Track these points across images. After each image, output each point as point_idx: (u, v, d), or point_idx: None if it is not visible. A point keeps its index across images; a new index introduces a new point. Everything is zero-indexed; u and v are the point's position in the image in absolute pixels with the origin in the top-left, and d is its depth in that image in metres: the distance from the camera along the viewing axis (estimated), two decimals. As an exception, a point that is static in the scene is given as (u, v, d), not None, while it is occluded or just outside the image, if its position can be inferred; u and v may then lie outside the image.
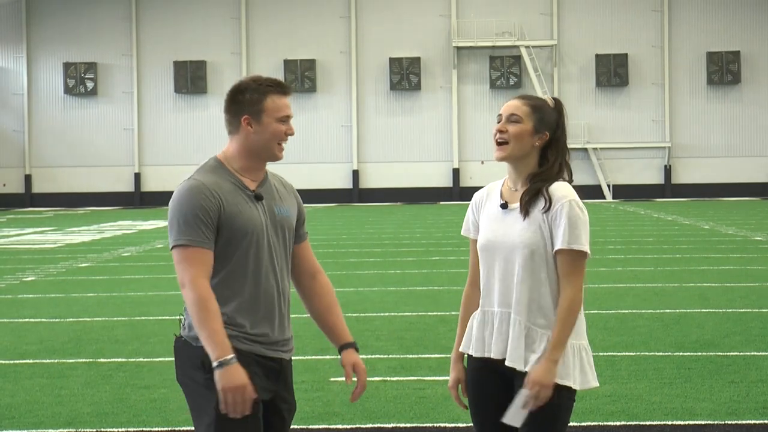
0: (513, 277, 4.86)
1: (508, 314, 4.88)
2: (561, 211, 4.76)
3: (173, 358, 4.91)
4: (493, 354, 4.89)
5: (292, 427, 8.65)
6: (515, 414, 4.81)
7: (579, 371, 4.84)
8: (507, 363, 4.85)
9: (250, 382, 4.57)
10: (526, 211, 4.83)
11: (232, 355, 4.55)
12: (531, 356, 4.81)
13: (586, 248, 4.78)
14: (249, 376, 4.62)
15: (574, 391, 4.86)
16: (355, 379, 5.04)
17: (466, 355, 5.09)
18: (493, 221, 4.95)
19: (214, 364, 4.54)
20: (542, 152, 4.92)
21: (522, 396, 4.79)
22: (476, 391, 5.00)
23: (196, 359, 4.67)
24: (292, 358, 5.03)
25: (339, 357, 5.10)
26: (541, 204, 4.82)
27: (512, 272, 4.86)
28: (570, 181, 4.96)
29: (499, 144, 4.92)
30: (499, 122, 4.95)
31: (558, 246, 4.77)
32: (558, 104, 5.00)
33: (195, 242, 4.61)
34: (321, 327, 5.12)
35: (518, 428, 4.86)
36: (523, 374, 4.81)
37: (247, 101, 4.73)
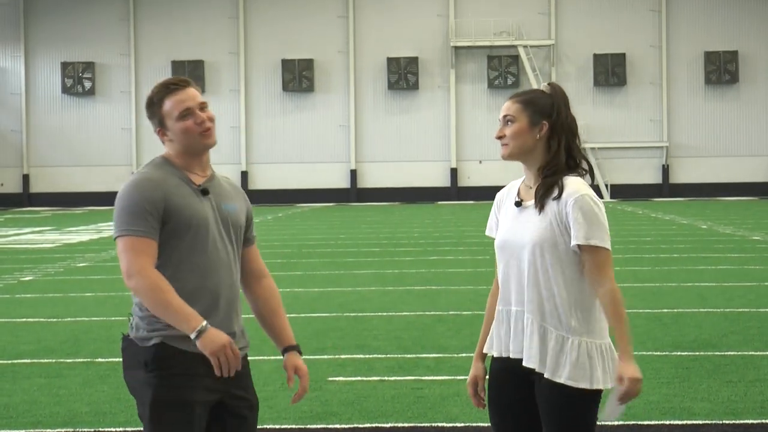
0: (525, 276, 4.84)
1: (523, 313, 4.85)
2: (574, 205, 4.71)
3: None
4: (512, 353, 4.85)
5: (288, 426, 8.69)
6: (613, 409, 4.78)
7: (600, 372, 4.77)
8: (525, 363, 4.81)
9: (230, 339, 4.62)
10: (541, 205, 4.78)
11: (205, 322, 4.59)
12: (546, 357, 4.76)
13: (605, 244, 4.72)
14: (193, 377, 4.68)
15: (596, 391, 4.78)
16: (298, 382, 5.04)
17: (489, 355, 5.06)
18: (509, 219, 4.93)
19: (193, 335, 4.58)
20: (548, 142, 4.87)
21: (615, 392, 4.75)
22: (495, 394, 4.95)
23: (140, 358, 4.71)
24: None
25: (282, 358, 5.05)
26: (553, 198, 4.77)
27: (525, 270, 4.83)
28: (589, 169, 4.90)
29: (502, 145, 4.93)
30: (500, 126, 4.96)
31: (576, 242, 4.72)
32: (554, 89, 4.92)
33: (139, 232, 4.66)
34: (265, 329, 5.10)
35: None
36: (541, 375, 4.78)
37: (152, 115, 4.86)
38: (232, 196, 4.94)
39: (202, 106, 4.84)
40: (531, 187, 4.89)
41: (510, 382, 4.90)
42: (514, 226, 4.89)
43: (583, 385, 4.75)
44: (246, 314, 4.96)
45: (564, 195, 4.75)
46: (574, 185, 4.77)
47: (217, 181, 4.92)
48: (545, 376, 4.77)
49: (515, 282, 4.87)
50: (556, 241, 4.76)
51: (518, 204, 4.90)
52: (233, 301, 4.84)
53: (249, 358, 4.97)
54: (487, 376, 5.04)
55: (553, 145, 4.85)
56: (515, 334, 4.86)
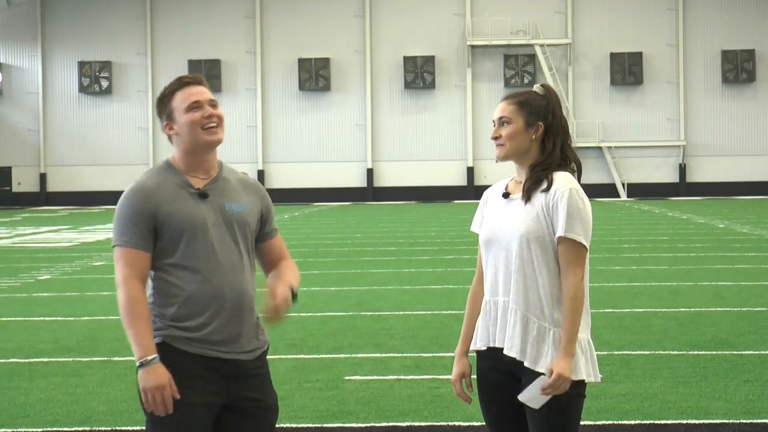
0: (512, 267, 4.87)
1: (508, 303, 4.89)
2: (561, 198, 4.77)
3: None
4: (497, 343, 4.90)
5: (305, 425, 8.69)
6: (534, 397, 4.76)
7: (583, 364, 4.80)
8: (505, 352, 4.85)
9: (170, 382, 4.61)
10: (527, 197, 4.84)
11: (154, 356, 4.62)
12: (527, 346, 4.80)
13: (581, 239, 4.76)
14: (192, 378, 4.68)
15: (583, 384, 4.82)
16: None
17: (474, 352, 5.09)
18: (495, 213, 4.98)
19: (137, 363, 4.62)
20: (542, 143, 4.93)
21: (541, 381, 4.73)
22: (486, 393, 4.99)
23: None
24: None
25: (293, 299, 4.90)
26: (542, 191, 4.83)
27: (512, 261, 4.87)
28: (577, 168, 4.95)
29: (497, 146, 4.98)
30: (494, 127, 5.01)
31: (557, 233, 4.78)
32: (547, 90, 4.99)
33: (129, 243, 4.78)
34: (271, 280, 4.96)
35: (529, 424, 4.85)
36: (527, 369, 4.79)
37: (161, 110, 4.88)
38: (240, 195, 4.88)
39: (213, 103, 4.85)
40: (520, 182, 4.96)
41: (498, 380, 4.94)
42: (501, 218, 4.94)
43: (573, 376, 4.77)
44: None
45: (552, 188, 4.82)
46: (563, 179, 4.84)
47: (224, 181, 4.87)
48: (525, 364, 4.81)
49: (503, 273, 4.92)
50: (543, 233, 4.82)
51: (506, 195, 4.95)
52: (240, 303, 4.79)
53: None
54: (474, 376, 5.06)
55: (548, 146, 4.92)
56: (502, 324, 4.90)
